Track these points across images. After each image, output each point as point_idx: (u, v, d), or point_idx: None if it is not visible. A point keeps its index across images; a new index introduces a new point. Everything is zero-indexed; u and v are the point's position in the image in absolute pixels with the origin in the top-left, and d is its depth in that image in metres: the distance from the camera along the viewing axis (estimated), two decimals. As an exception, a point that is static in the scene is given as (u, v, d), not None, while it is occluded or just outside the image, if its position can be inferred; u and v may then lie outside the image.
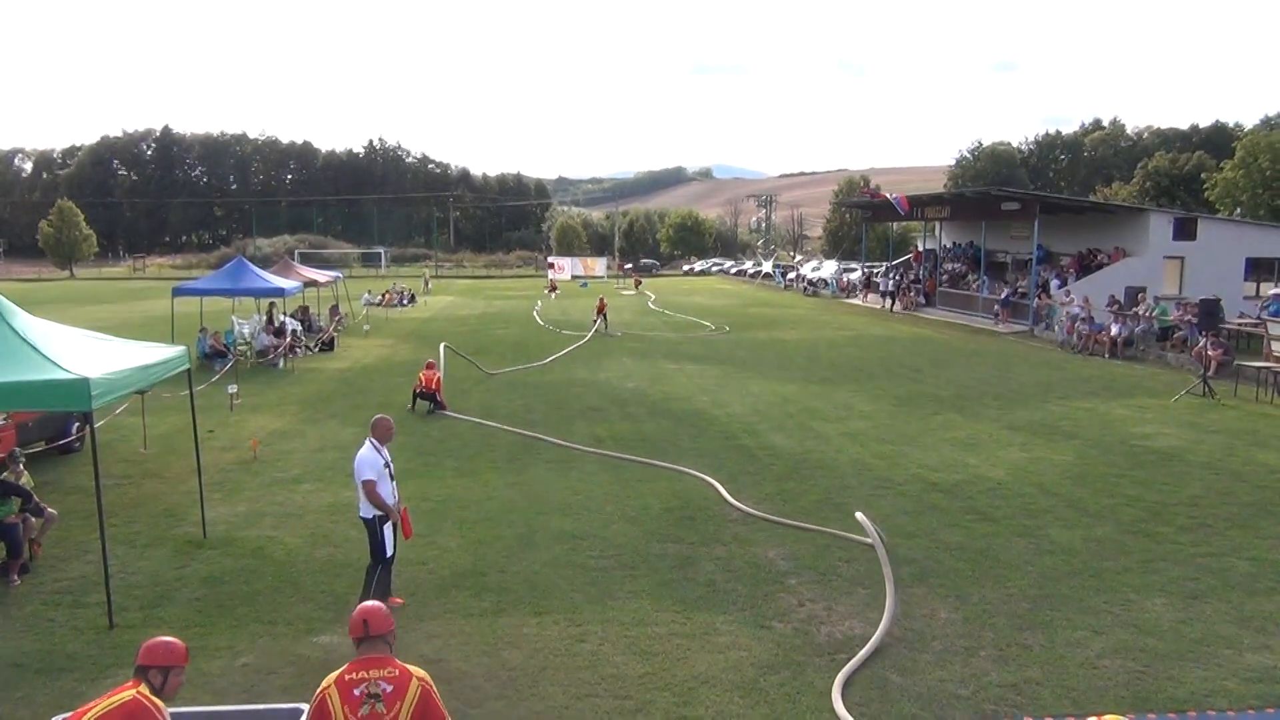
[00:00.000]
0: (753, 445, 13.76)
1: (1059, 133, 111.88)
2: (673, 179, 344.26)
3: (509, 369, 21.49)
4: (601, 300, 30.80)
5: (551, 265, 70.47)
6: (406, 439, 14.26)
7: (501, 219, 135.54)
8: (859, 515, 9.31)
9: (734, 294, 54.58)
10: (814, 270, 61.59)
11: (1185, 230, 30.15)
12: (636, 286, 50.56)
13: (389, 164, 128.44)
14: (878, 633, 7.33)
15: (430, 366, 16.88)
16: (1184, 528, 9.98)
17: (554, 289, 55.76)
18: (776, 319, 36.01)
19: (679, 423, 15.38)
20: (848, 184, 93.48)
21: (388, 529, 7.75)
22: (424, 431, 14.82)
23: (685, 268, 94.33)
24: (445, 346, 17.30)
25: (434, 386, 16.33)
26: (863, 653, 7.05)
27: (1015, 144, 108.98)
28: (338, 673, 4.32)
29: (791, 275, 61.51)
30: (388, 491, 7.73)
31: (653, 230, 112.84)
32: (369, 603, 4.54)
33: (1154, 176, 73.17)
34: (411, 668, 4.35)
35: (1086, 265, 31.11)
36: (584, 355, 24.41)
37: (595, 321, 30.33)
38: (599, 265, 73.47)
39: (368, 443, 7.85)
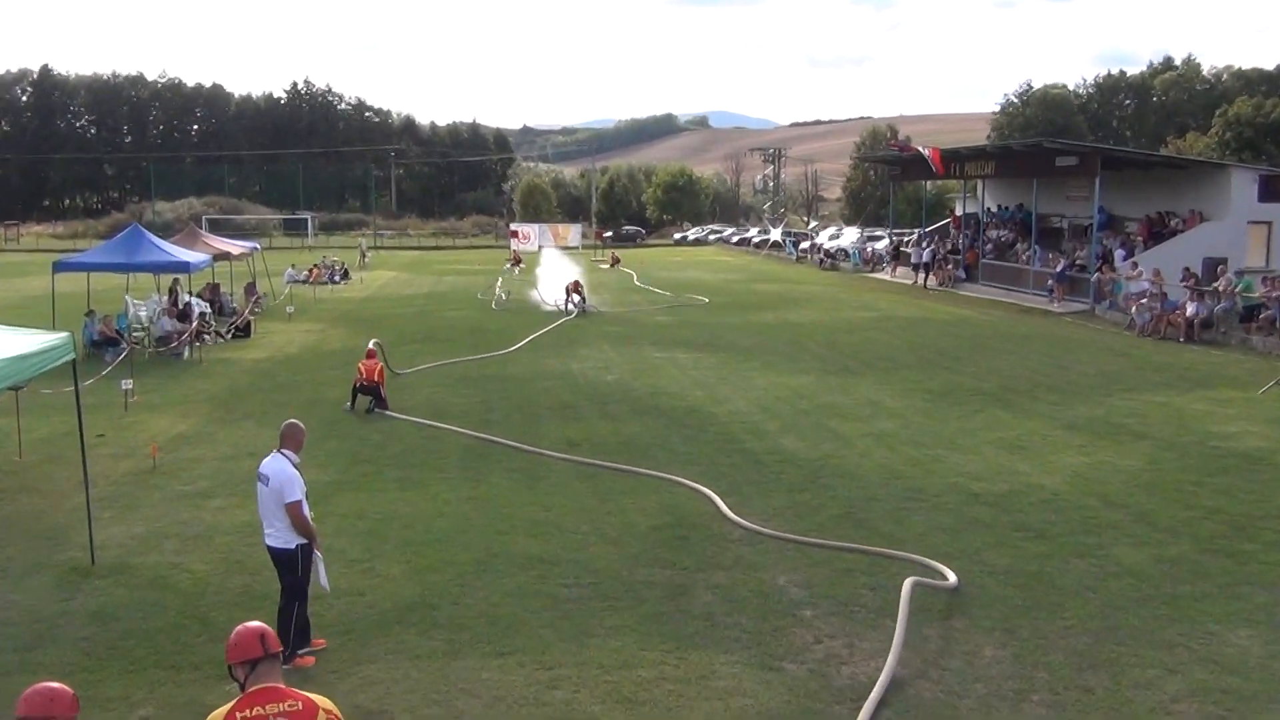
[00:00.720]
0: (758, 449, 13.78)
1: (1123, 73, 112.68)
2: (661, 129, 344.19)
3: (454, 361, 21.48)
4: (575, 282, 30.80)
5: (514, 234, 70.37)
6: (339, 444, 14.20)
7: (454, 178, 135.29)
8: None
9: (736, 267, 54.74)
10: (832, 239, 61.89)
11: (1273, 190, 30.36)
12: (614, 264, 50.63)
13: (317, 112, 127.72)
14: (884, 673, 7.29)
15: (371, 355, 16.84)
16: (1273, 544, 10.06)
17: (518, 262, 55.71)
18: (787, 297, 36.11)
19: (669, 423, 15.39)
20: (871, 135, 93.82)
21: (319, 561, 7.66)
22: (360, 435, 14.77)
23: (677, 236, 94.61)
24: (375, 343, 17.22)
25: (377, 379, 16.32)
26: (873, 696, 7.00)
27: (1071, 87, 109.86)
28: (225, 710, 4.12)
29: (805, 245, 61.82)
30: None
31: (637, 191, 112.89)
32: (252, 623, 4.35)
33: (1235, 126, 73.73)
34: (314, 697, 4.20)
35: (1157, 232, 31.34)
36: (554, 342, 24.41)
37: (571, 302, 30.33)
38: (573, 233, 73.48)
39: (279, 455, 7.72)
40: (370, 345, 17.48)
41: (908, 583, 8.62)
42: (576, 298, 30.48)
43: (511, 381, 18.90)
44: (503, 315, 30.35)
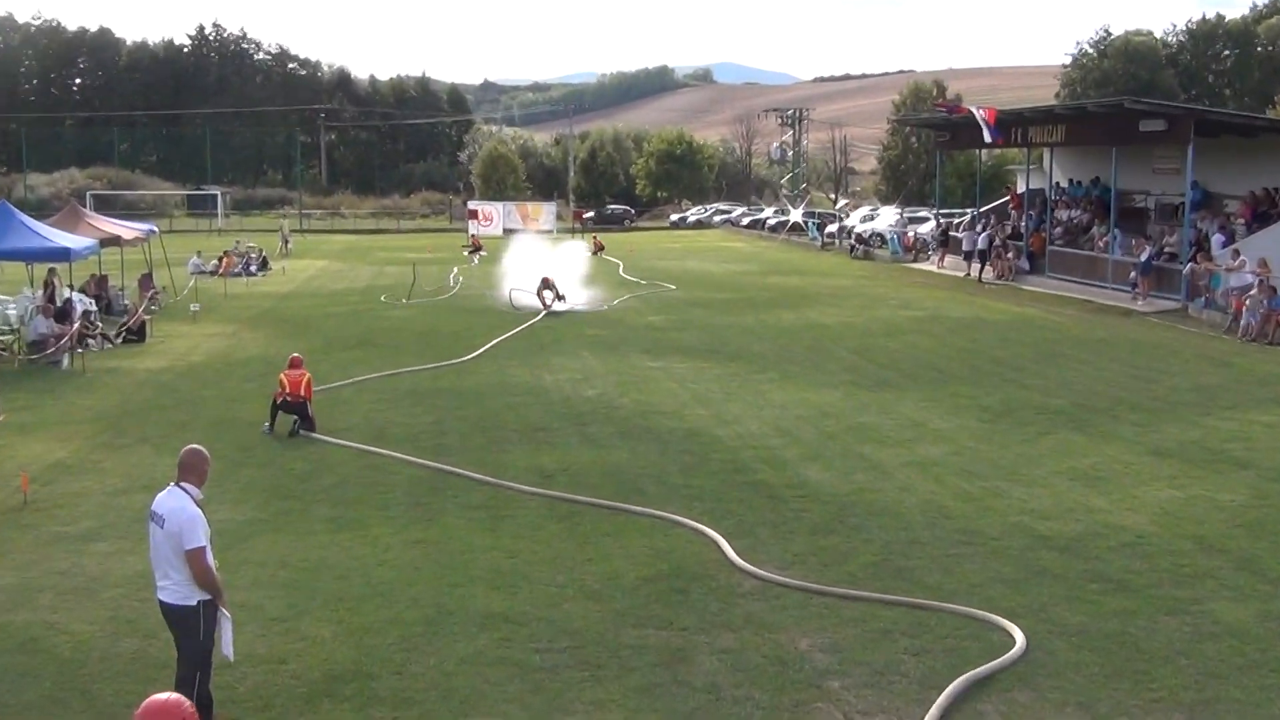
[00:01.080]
0: (775, 482, 13.80)
1: (1220, 18, 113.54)
2: (655, 85, 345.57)
3: (399, 371, 21.52)
4: (552, 282, 30.89)
5: (474, 214, 70.61)
6: (256, 475, 14.17)
7: (398, 145, 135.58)
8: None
9: (747, 256, 54.89)
10: (865, 221, 62.25)
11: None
12: (597, 252, 50.78)
13: (228, 63, 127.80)
14: None
15: (296, 364, 16.84)
16: None
17: (477, 249, 55.75)
18: (810, 293, 36.23)
19: (665, 448, 15.41)
20: (914, 93, 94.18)
21: (225, 621, 7.59)
22: (283, 463, 14.76)
23: (674, 217, 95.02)
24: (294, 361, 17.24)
25: (303, 393, 16.33)
26: None
27: (1159, 34, 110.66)
28: None
29: (832, 228, 62.15)
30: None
31: (625, 162, 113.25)
32: (160, 696, 4.45)
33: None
34: None
35: (1263, 213, 31.52)
36: (523, 348, 24.48)
37: (544, 301, 30.46)
38: (545, 214, 73.62)
39: (178, 490, 7.64)
40: (294, 355, 17.49)
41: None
42: (550, 295, 30.55)
43: (470, 397, 18.92)
44: (460, 315, 30.40)
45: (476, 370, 21.62)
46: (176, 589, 7.41)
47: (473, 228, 66.97)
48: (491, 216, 71.86)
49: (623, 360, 22.66)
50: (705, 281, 40.14)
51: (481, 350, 23.82)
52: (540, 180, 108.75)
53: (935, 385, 19.94)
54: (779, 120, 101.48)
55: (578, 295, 32.15)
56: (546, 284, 30.95)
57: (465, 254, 55.33)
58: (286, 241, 56.72)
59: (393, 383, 20.30)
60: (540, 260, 35.68)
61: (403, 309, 32.06)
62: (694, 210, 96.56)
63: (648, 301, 33.50)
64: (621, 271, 42.94)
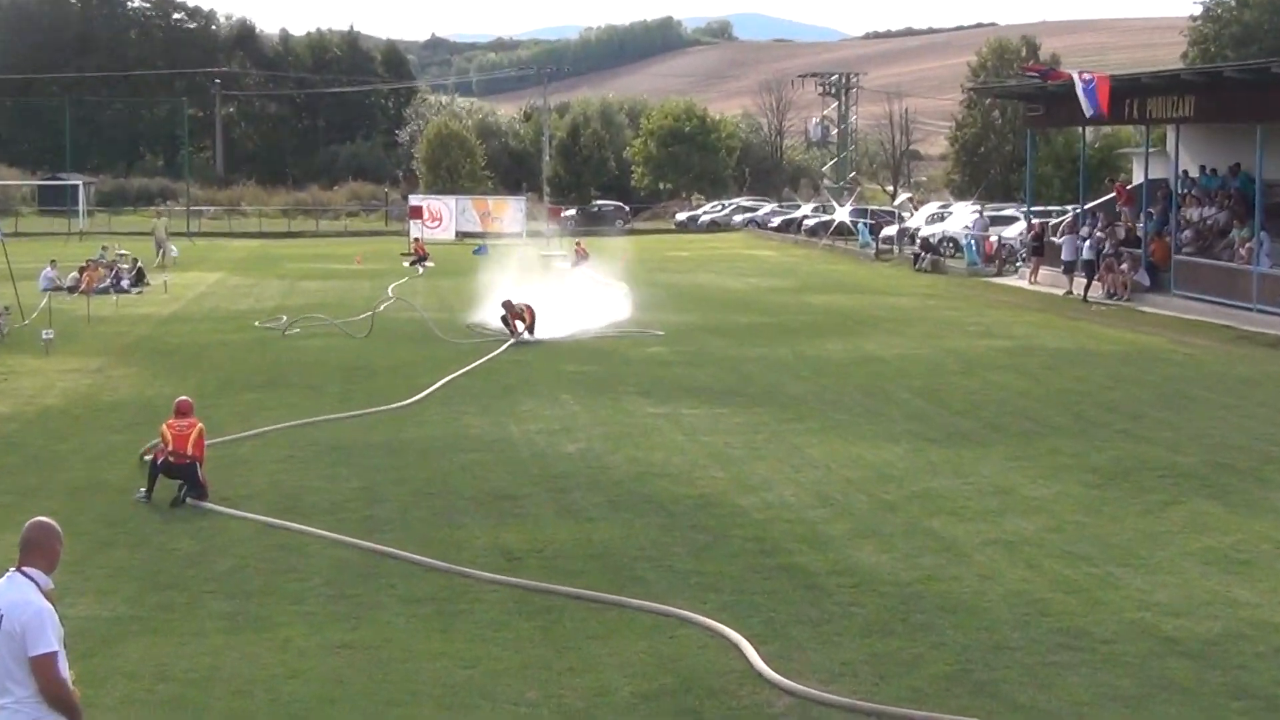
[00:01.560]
0: (816, 566, 13.78)
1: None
2: (655, 43, 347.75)
3: (318, 419, 21.53)
4: (519, 308, 31.01)
5: (417, 212, 70.89)
6: (129, 558, 14.14)
7: (317, 122, 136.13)
8: None
9: (778, 267, 55.02)
10: (933, 221, 62.42)
11: None
12: (579, 261, 50.99)
13: (94, 13, 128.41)
14: None
15: (184, 411, 16.82)
16: None
17: (422, 258, 55.86)
18: (861, 316, 36.34)
19: (670, 522, 15.40)
20: (995, 54, 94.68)
21: None
22: (164, 542, 14.73)
23: (681, 216, 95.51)
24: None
25: (192, 451, 16.29)
26: None
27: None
28: None
29: (890, 230, 62.44)
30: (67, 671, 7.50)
31: (617, 143, 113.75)
32: None
33: None
34: None
35: None
36: (482, 389, 24.58)
37: (513, 329, 30.66)
38: (511, 211, 74.02)
39: (20, 578, 7.54)
40: (181, 398, 17.48)
41: None
42: (520, 325, 30.70)
43: (412, 454, 18.91)
44: (398, 345, 30.49)
45: (421, 418, 21.63)
46: (19, 709, 7.31)
47: (415, 230, 67.23)
48: (440, 215, 72.25)
49: (615, 405, 22.69)
50: (723, 301, 40.24)
51: (428, 391, 23.83)
52: (505, 167, 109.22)
53: (1027, 439, 19.94)
54: (819, 89, 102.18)
55: (558, 320, 32.26)
56: (512, 310, 31.03)
57: (406, 264, 55.46)
58: (163, 248, 56.21)
59: (309, 435, 20.29)
60: (508, 273, 35.82)
61: (321, 336, 32.10)
62: (708, 207, 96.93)
63: (647, 326, 33.56)
64: (605, 291, 43.02)
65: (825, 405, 22.75)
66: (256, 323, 34.92)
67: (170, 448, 16.38)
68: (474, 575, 13.44)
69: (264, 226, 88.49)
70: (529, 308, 31.36)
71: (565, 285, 39.48)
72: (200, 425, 16.76)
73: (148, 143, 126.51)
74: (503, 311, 31.15)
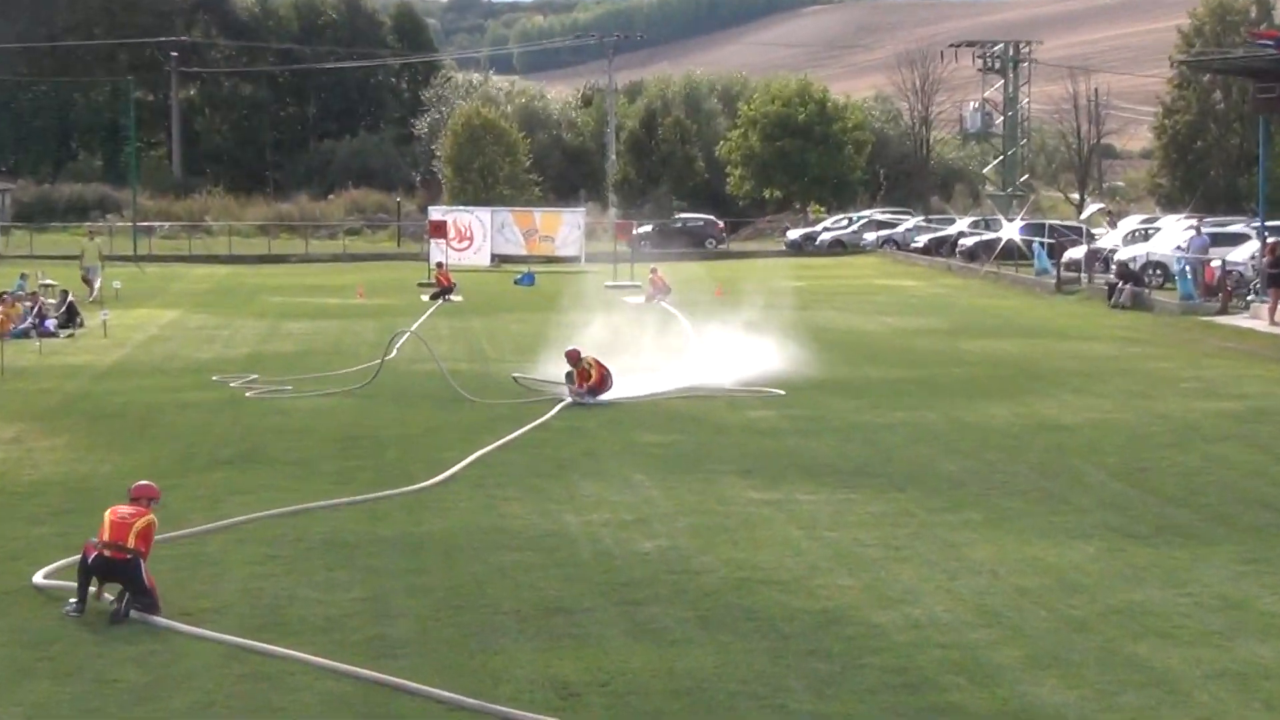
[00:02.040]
0: (979, 705, 13.66)
1: None
2: (758, 2, 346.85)
3: (306, 507, 21.58)
4: (587, 364, 31.18)
5: (439, 229, 71.17)
6: (55, 692, 14.16)
7: (307, 108, 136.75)
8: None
9: (926, 302, 54.63)
10: (1133, 240, 61.92)
11: None
12: (654, 296, 51.07)
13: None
14: None
15: (143, 496, 16.86)
16: None
17: (446, 290, 56.16)
18: (1039, 369, 36.25)
19: (781, 645, 15.31)
20: (1214, 14, 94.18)
21: None
22: (101, 671, 14.73)
23: (793, 234, 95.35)
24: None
25: (133, 543, 16.24)
26: None
27: None
28: None
29: (1076, 253, 62.04)
30: None
31: (708, 134, 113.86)
32: None
33: None
34: None
35: None
36: (527, 464, 24.69)
37: (574, 391, 31.05)
38: (565, 229, 74.31)
39: None
40: (139, 485, 17.55)
41: None
42: (581, 388, 30.91)
43: (434, 553, 18.90)
44: (414, 406, 30.72)
45: (445, 505, 21.63)
46: None
47: (438, 253, 67.56)
48: (471, 233, 72.74)
49: (706, 488, 22.65)
50: (851, 348, 40.12)
51: (455, 469, 23.89)
52: (557, 169, 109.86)
53: (1263, 535, 19.65)
54: (978, 62, 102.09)
55: (634, 376, 32.37)
56: (576, 362, 31.17)
57: (425, 298, 55.75)
58: (92, 279, 56.37)
59: (297, 527, 20.30)
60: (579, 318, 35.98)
61: (311, 394, 32.31)
62: (830, 222, 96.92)
63: (756, 379, 33.51)
64: (690, 335, 42.94)
65: (990, 489, 22.61)
66: (215, 377, 35.21)
67: (105, 537, 16.35)
68: (516, 717, 13.42)
69: (236, 248, 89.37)
70: (599, 365, 31.43)
71: (640, 328, 39.53)
72: (149, 517, 16.72)
73: (82, 137, 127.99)
74: (574, 361, 31.27)
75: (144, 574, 16.26)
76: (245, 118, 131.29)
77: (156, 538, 17.02)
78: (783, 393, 32.23)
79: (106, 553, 16.19)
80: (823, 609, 16.52)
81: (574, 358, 31.52)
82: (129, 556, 16.21)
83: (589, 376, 31.22)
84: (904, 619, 16.15)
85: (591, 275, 63.73)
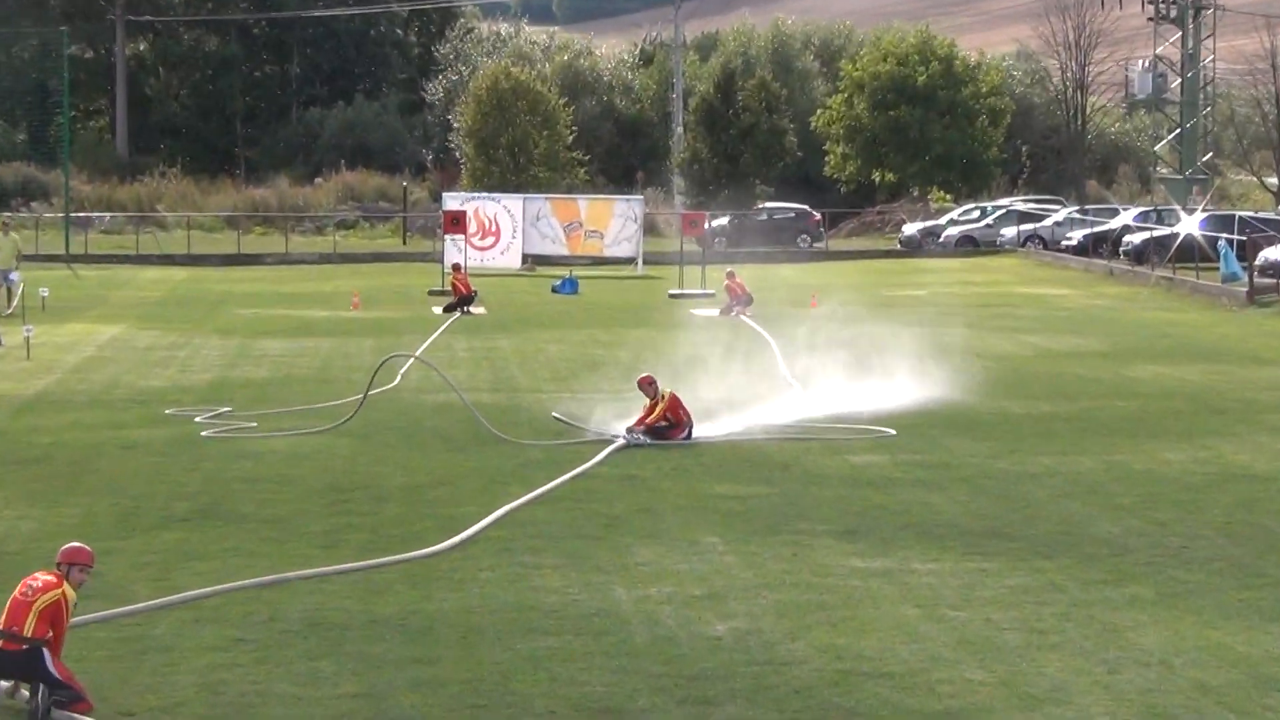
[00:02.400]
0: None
1: None
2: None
3: (287, 576, 21.59)
4: (661, 397, 31.31)
5: (456, 221, 71.16)
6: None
7: (288, 66, 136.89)
8: None
9: (1078, 317, 54.45)
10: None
11: None
12: (731, 309, 51.21)
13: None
14: None
15: (67, 559, 16.87)
16: None
17: (465, 300, 56.28)
18: (1222, 400, 36.36)
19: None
20: None
21: None
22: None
23: (910, 229, 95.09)
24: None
25: (36, 630, 16.19)
26: None
27: None
28: None
29: (1274, 254, 61.49)
30: None
31: (801, 100, 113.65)
32: None
33: None
34: None
35: None
36: (569, 524, 24.65)
37: (634, 433, 31.37)
38: (617, 221, 74.30)
39: None
40: (65, 550, 17.57)
41: None
42: (639, 427, 31.12)
43: (447, 637, 18.86)
44: (422, 449, 30.75)
45: (462, 575, 21.61)
46: None
47: (454, 252, 67.67)
48: (497, 227, 72.75)
49: (797, 555, 22.62)
50: (984, 375, 39.98)
51: (475, 529, 23.88)
52: (607, 145, 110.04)
53: None
54: (1149, 9, 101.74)
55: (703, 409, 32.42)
56: (652, 392, 31.28)
57: (438, 310, 55.92)
58: (10, 285, 56.35)
59: (271, 603, 20.31)
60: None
61: (290, 435, 32.38)
62: (957, 213, 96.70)
63: (850, 418, 33.48)
64: (778, 358, 42.94)
65: (1161, 557, 22.48)
66: (169, 410, 35.34)
67: (8, 623, 16.25)
68: None
69: (196, 246, 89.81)
70: (676, 403, 31.43)
71: (712, 348, 39.62)
72: (63, 591, 16.59)
73: (1, 105, 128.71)
74: (651, 393, 31.43)
75: (48, 666, 15.95)
76: (209, 80, 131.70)
77: (87, 617, 16.97)
78: (893, 432, 32.23)
79: (4, 644, 16.16)
80: (946, 710, 16.43)
81: (648, 387, 31.61)
82: (24, 648, 15.95)
83: (655, 414, 31.28)
84: (1051, 725, 16.09)
85: (652, 281, 63.96)
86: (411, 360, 39.49)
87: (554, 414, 33.74)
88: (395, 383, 37.11)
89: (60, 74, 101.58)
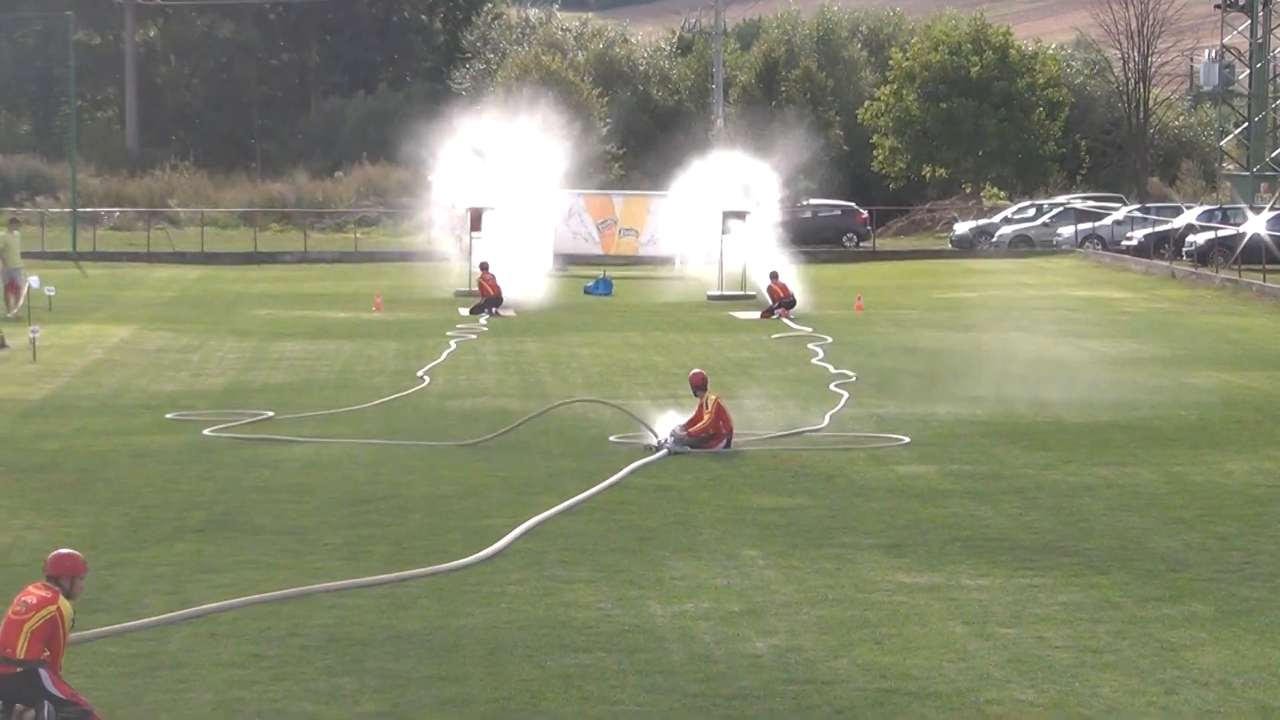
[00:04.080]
0: None
1: None
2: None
3: (293, 593, 21.62)
4: (706, 401, 31.45)
5: (481, 220, 71.03)
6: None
7: (308, 56, 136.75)
8: None
9: (1138, 321, 54.25)
10: None
11: None
12: (774, 311, 51.31)
13: None
14: None
15: (57, 570, 16.88)
16: None
17: (493, 301, 56.39)
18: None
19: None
20: None
21: None
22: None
23: (961, 228, 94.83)
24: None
25: (29, 652, 16.11)
26: None
27: None
28: None
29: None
30: None
31: (849, 92, 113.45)
32: None
33: None
34: None
35: None
36: (602, 536, 24.67)
37: (664, 440, 31.35)
38: (655, 219, 74.17)
39: None
40: (54, 559, 17.57)
41: None
42: (682, 433, 31.24)
43: (474, 654, 18.83)
44: (448, 457, 30.86)
45: (490, 589, 21.63)
46: None
47: (481, 252, 67.62)
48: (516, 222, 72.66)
49: (839, 569, 22.62)
50: (1039, 381, 39.94)
51: (504, 542, 23.88)
52: (643, 134, 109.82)
53: None
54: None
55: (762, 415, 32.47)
56: (702, 392, 31.40)
57: (465, 312, 55.98)
58: (16, 282, 56.14)
59: (290, 617, 20.33)
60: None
61: (310, 441, 32.46)
62: (1012, 211, 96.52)
63: (898, 425, 33.59)
64: (826, 365, 42.90)
65: (1222, 573, 22.44)
66: (170, 414, 35.42)
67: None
68: None
69: (210, 243, 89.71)
70: (721, 410, 31.53)
71: (753, 350, 39.70)
72: (59, 607, 16.56)
73: (3, 93, 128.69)
74: (700, 393, 31.65)
75: (47, 686, 15.86)
76: (224, 68, 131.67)
77: (97, 631, 16.96)
78: (906, 439, 32.25)
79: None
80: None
81: (699, 386, 31.86)
82: (16, 671, 15.89)
83: (703, 424, 31.40)
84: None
85: (689, 282, 63.76)
86: (434, 365, 39.43)
87: (611, 439, 33.58)
88: (423, 386, 37.16)
89: (66, 61, 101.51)
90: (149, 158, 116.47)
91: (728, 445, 31.40)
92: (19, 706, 16.33)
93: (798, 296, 56.13)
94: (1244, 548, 23.97)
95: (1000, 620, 20.27)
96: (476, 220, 69.66)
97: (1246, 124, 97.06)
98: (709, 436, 31.33)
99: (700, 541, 24.28)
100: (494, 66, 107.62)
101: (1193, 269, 72.24)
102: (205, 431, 33.18)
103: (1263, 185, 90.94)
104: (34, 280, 56.94)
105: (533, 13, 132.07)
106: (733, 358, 38.00)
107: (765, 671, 18.27)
